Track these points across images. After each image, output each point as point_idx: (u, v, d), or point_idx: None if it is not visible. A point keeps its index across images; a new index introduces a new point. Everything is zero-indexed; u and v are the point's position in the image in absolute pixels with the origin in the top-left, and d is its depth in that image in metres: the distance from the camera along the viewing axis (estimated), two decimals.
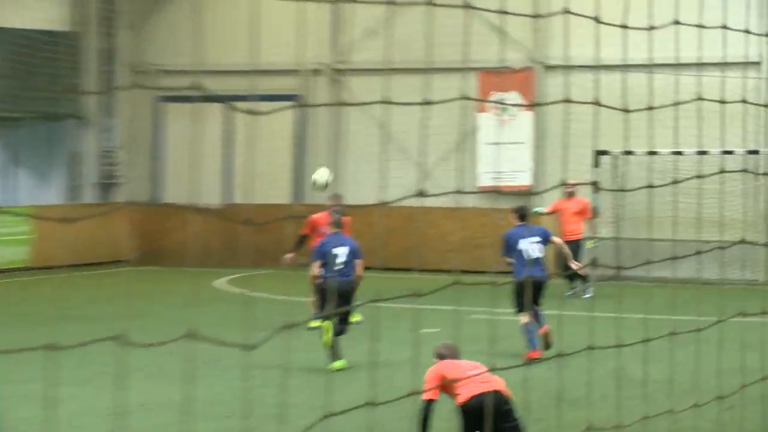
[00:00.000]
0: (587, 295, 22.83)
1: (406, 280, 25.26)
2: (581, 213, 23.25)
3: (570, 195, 23.34)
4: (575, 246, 22.09)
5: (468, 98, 7.06)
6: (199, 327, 4.60)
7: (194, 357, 4.79)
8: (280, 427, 12.39)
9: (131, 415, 12.84)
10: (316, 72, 30.55)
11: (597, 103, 7.99)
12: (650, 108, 9.07)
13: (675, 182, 7.74)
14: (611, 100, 7.35)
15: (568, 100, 7.52)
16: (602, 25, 7.59)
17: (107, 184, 31.88)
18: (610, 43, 27.75)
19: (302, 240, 19.54)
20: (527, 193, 28.52)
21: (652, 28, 9.08)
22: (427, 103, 6.27)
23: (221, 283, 26.38)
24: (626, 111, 8.33)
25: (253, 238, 29.25)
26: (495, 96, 28.35)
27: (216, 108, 31.16)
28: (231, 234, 29.53)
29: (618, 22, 7.95)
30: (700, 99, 8.98)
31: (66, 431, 12.46)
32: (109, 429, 12.00)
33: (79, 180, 31.31)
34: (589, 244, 23.40)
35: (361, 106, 25.66)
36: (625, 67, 24.60)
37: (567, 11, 7.18)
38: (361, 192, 29.26)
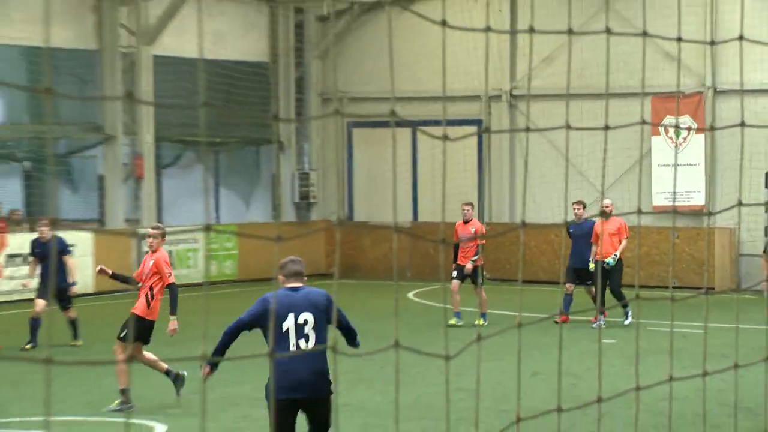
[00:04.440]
0: (627, 322, 21.47)
1: (583, 295, 25.23)
2: (618, 233, 22.08)
3: (607, 216, 22.06)
4: (617, 267, 21.46)
5: (647, 123, 7.26)
6: (394, 337, 4.86)
7: (399, 365, 5.02)
8: (469, 428, 12.63)
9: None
10: (495, 98, 30.76)
11: None
12: None
13: None
14: None
15: (743, 124, 7.57)
16: (763, 50, 7.66)
17: (304, 204, 32.66)
18: (762, 68, 27.58)
19: (457, 248, 21.67)
20: (701, 213, 28.19)
21: None
22: (608, 128, 6.37)
23: (410, 295, 26.76)
24: None
25: (438, 254, 29.54)
26: (667, 120, 28.14)
27: (401, 132, 31.61)
28: (418, 250, 30.07)
29: None
30: None
31: None
32: None
33: (279, 200, 32.14)
34: (591, 265, 21.98)
35: (538, 131, 25.64)
36: None
37: (742, 38, 7.23)
38: (540, 212, 29.37)
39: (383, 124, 31.54)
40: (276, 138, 32.29)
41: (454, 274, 21.48)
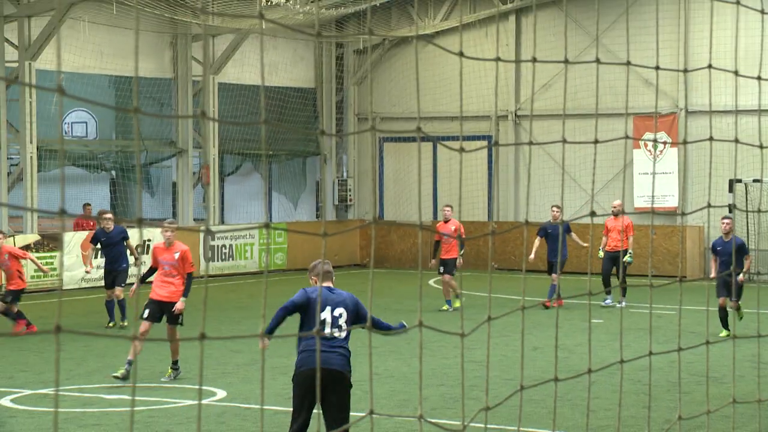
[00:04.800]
0: (606, 302, 21.17)
1: (578, 281, 25.08)
2: (626, 230, 21.79)
3: (617, 214, 21.74)
4: (623, 257, 21.18)
5: (630, 138, 7.25)
6: (418, 318, 4.82)
7: (422, 340, 4.95)
8: (480, 394, 12.55)
9: (366, 384, 13.17)
10: (503, 118, 30.65)
11: (737, 141, 7.95)
12: None
13: None
14: (740, 139, 7.29)
15: (711, 139, 7.48)
16: (736, 77, 7.58)
17: (342, 206, 32.62)
18: (725, 92, 27.37)
19: (438, 245, 20.83)
20: (674, 213, 28.02)
21: None
22: (597, 142, 6.31)
23: (430, 282, 26.68)
24: (761, 147, 8.23)
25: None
26: (647, 136, 27.98)
27: (424, 146, 31.52)
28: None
29: (751, 74, 7.89)
30: None
31: None
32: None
33: (322, 202, 32.13)
34: (626, 258, 21.68)
35: (538, 145, 25.67)
36: (757, 112, 24.05)
37: (711, 66, 7.16)
38: (540, 213, 29.23)
39: (409, 139, 31.48)
40: (320, 150, 32.28)
41: (441, 269, 20.61)
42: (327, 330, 8.98)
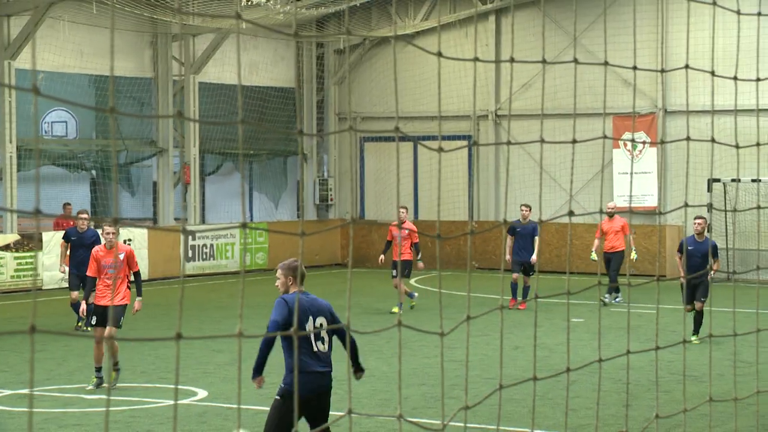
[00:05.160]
0: (617, 300, 21.48)
1: (558, 281, 25.12)
2: (621, 230, 21.82)
3: (611, 216, 21.59)
4: (619, 257, 21.33)
5: (609, 138, 7.33)
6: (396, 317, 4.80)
7: (401, 340, 4.94)
8: (461, 393, 12.54)
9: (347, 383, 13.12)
10: (483, 117, 30.67)
11: (713, 140, 7.98)
12: (758, 144, 8.93)
13: None
14: (719, 138, 7.31)
15: (689, 138, 7.51)
16: (713, 77, 7.58)
17: (323, 205, 32.58)
18: (715, 93, 27.44)
19: (388, 245, 20.31)
20: (654, 212, 28.10)
21: (758, 79, 9.01)
22: (575, 141, 6.31)
23: (411, 281, 26.64)
24: (737, 147, 8.25)
25: (434, 247, 29.46)
26: (626, 136, 28.06)
27: (404, 146, 31.51)
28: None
29: (728, 75, 7.90)
30: None
31: None
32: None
33: (303, 202, 32.06)
34: (632, 255, 21.72)
35: (518, 145, 25.66)
36: (733, 112, 24.13)
37: (687, 66, 7.18)
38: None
39: (389, 139, 31.46)
40: (300, 150, 32.22)
41: (394, 272, 20.09)
42: (312, 343, 8.40)
